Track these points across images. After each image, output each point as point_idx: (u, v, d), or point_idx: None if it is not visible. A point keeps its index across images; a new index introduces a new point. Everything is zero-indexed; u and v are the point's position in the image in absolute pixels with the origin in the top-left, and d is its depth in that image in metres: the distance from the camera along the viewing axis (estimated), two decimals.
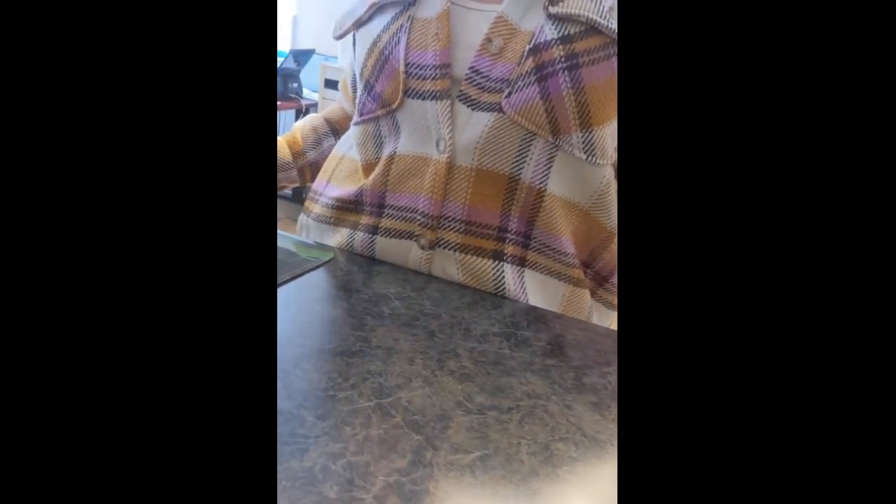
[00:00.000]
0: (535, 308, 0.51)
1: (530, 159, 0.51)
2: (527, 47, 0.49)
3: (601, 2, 0.49)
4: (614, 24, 0.48)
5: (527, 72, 0.49)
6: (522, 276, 0.53)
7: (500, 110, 0.50)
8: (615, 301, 0.62)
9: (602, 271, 0.59)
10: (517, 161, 0.51)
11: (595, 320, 0.59)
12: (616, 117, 0.51)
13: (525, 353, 0.43)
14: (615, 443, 0.34)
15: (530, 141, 0.50)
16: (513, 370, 0.40)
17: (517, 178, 0.51)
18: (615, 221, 0.56)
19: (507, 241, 0.52)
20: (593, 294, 0.60)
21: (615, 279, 0.60)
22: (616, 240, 0.58)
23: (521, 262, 0.53)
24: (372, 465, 0.30)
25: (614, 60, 0.49)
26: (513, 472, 0.30)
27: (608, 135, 0.51)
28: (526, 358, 0.42)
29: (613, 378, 0.41)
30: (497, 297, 0.52)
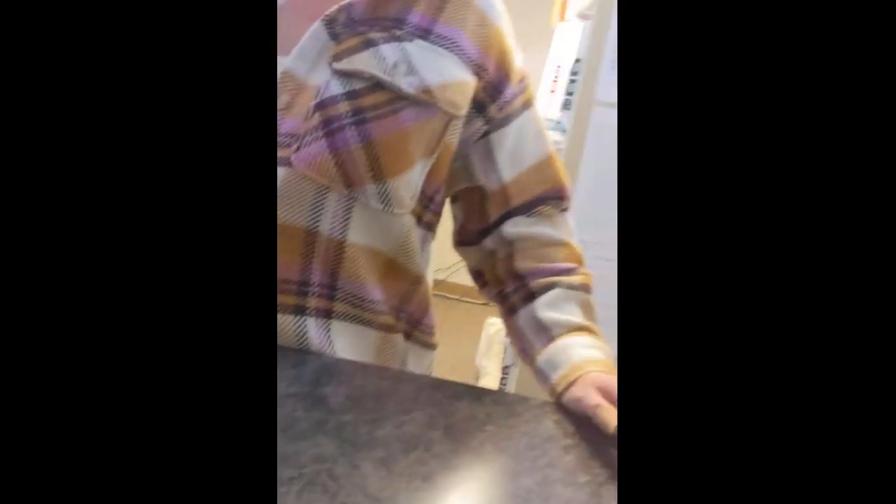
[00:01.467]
0: (340, 361, 0.50)
1: (326, 211, 0.51)
2: (313, 103, 0.50)
3: (384, 59, 0.50)
4: (399, 81, 0.50)
5: (314, 126, 0.49)
6: (329, 328, 0.53)
7: (290, 164, 0.49)
8: (431, 341, 0.63)
9: (415, 314, 0.60)
10: (313, 214, 0.51)
11: (411, 363, 0.60)
12: (409, 168, 0.52)
13: (320, 413, 0.42)
14: (397, 499, 0.34)
15: (324, 194, 0.50)
16: (303, 434, 0.39)
17: (315, 230, 0.51)
18: (420, 266, 0.58)
19: (310, 294, 0.52)
20: (409, 337, 0.60)
21: (427, 320, 0.61)
22: (424, 283, 0.59)
23: (327, 314, 0.53)
24: None
25: (402, 115, 0.51)
26: None
27: (402, 186, 0.52)
28: (320, 417, 0.41)
29: (408, 427, 0.42)
30: (301, 352, 0.51)
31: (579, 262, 0.59)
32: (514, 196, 0.59)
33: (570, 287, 0.56)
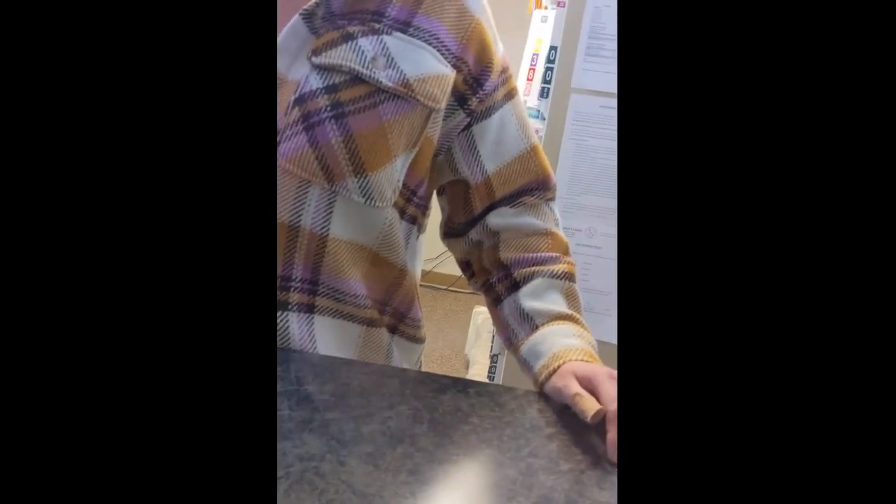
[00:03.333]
0: (325, 358, 0.50)
1: (308, 206, 0.51)
2: (292, 97, 0.49)
3: (363, 53, 0.50)
4: (378, 75, 0.50)
5: (294, 121, 0.49)
6: (311, 324, 0.53)
7: None
8: (418, 334, 0.63)
9: (400, 307, 0.60)
10: (295, 209, 0.50)
11: (397, 357, 0.60)
12: (390, 162, 0.52)
13: (305, 411, 0.42)
14: (384, 494, 0.35)
15: (306, 188, 0.50)
16: (289, 433, 0.39)
17: (297, 225, 0.51)
18: (404, 259, 0.58)
19: (292, 289, 0.51)
20: (394, 331, 0.61)
21: (413, 313, 0.62)
22: (408, 276, 0.59)
23: (310, 309, 0.53)
24: None
25: (381, 108, 0.50)
26: None
27: (384, 179, 0.52)
28: (305, 416, 0.41)
29: (394, 422, 0.42)
30: (284, 351, 0.51)
31: (564, 251, 0.60)
32: (498, 188, 0.59)
33: (553, 276, 0.57)
